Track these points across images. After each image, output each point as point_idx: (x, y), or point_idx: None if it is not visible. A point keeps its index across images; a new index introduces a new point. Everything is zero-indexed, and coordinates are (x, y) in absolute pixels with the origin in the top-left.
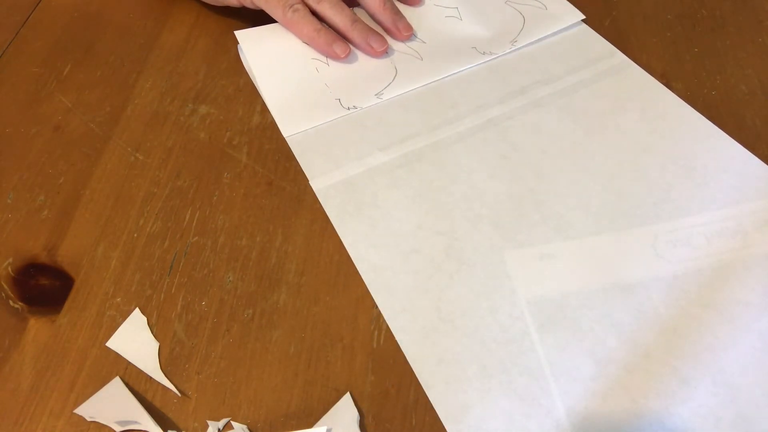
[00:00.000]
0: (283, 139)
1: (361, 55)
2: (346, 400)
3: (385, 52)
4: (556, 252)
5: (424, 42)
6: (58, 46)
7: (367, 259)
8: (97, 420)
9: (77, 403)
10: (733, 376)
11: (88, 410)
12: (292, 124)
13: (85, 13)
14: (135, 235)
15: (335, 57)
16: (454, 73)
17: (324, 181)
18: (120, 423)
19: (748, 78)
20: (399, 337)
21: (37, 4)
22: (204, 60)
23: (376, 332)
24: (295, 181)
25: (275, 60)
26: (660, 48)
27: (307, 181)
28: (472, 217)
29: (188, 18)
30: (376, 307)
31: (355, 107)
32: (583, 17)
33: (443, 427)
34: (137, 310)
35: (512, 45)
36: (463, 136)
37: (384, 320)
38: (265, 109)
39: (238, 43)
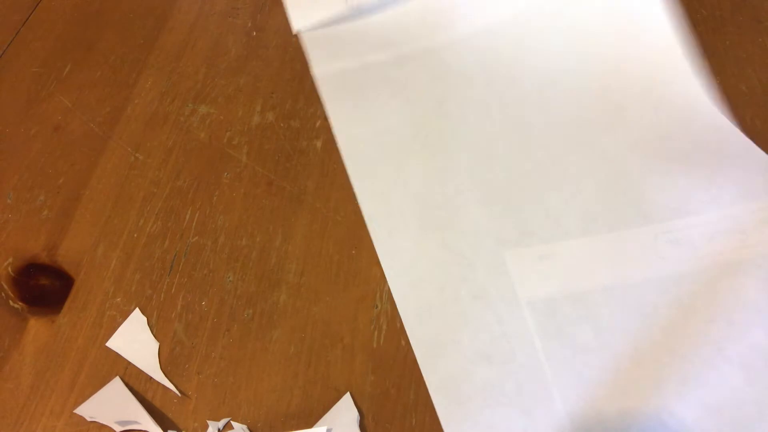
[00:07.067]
0: (284, 139)
1: None
2: (346, 400)
3: None
4: (556, 252)
5: None
6: (58, 46)
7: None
8: (97, 420)
9: (77, 403)
10: (734, 376)
11: (88, 410)
12: (303, 17)
13: (85, 13)
14: (135, 235)
15: None
16: None
17: (328, 68)
18: (120, 423)
19: (748, 78)
20: (405, 318)
21: (37, 4)
22: (204, 60)
23: (376, 332)
24: (295, 181)
25: None
26: None
27: (308, 180)
28: (473, 218)
29: (188, 18)
30: (377, 307)
31: (359, 5)
32: None
33: (443, 427)
34: (137, 310)
35: None
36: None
37: (384, 320)
38: (265, 109)
39: None
